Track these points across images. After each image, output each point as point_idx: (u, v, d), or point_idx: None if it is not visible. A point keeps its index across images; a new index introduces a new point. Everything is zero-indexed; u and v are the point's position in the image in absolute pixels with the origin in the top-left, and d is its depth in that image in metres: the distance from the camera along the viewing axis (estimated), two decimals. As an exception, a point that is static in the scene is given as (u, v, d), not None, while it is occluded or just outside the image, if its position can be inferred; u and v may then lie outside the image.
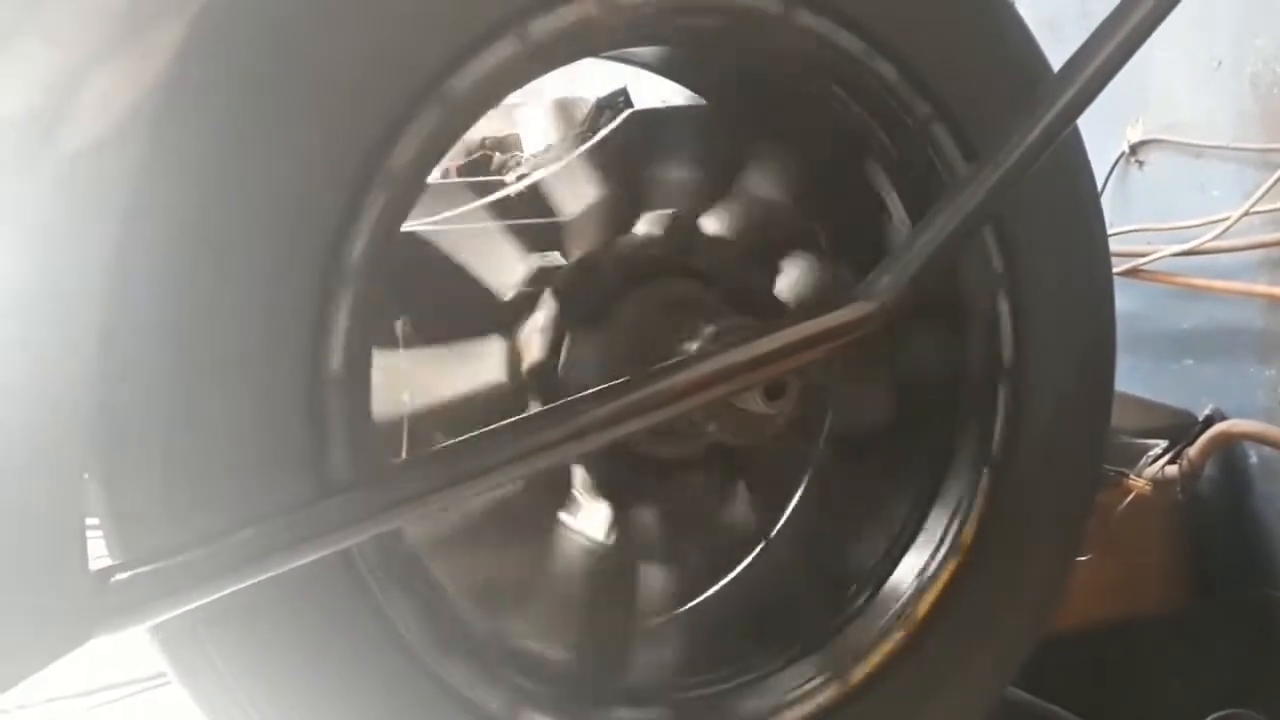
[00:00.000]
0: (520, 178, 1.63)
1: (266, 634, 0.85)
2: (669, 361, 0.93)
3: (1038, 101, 1.01)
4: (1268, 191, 1.77)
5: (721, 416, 1.05)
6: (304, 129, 0.87)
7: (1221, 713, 1.76)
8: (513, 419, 0.88)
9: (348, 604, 0.92)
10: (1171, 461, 1.88)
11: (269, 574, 0.73)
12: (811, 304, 1.10)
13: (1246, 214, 1.78)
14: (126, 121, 0.63)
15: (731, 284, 1.27)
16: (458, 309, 1.35)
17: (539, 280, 1.40)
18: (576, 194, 1.42)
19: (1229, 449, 1.88)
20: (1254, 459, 1.90)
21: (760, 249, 1.33)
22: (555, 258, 1.41)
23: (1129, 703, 1.88)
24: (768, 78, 1.28)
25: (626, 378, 0.92)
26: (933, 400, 1.28)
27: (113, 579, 0.67)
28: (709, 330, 1.06)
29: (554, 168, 1.58)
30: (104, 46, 0.62)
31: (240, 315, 0.83)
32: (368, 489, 0.80)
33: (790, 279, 1.26)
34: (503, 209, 1.54)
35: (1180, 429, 1.94)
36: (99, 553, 0.77)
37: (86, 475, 0.72)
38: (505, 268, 1.39)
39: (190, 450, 0.81)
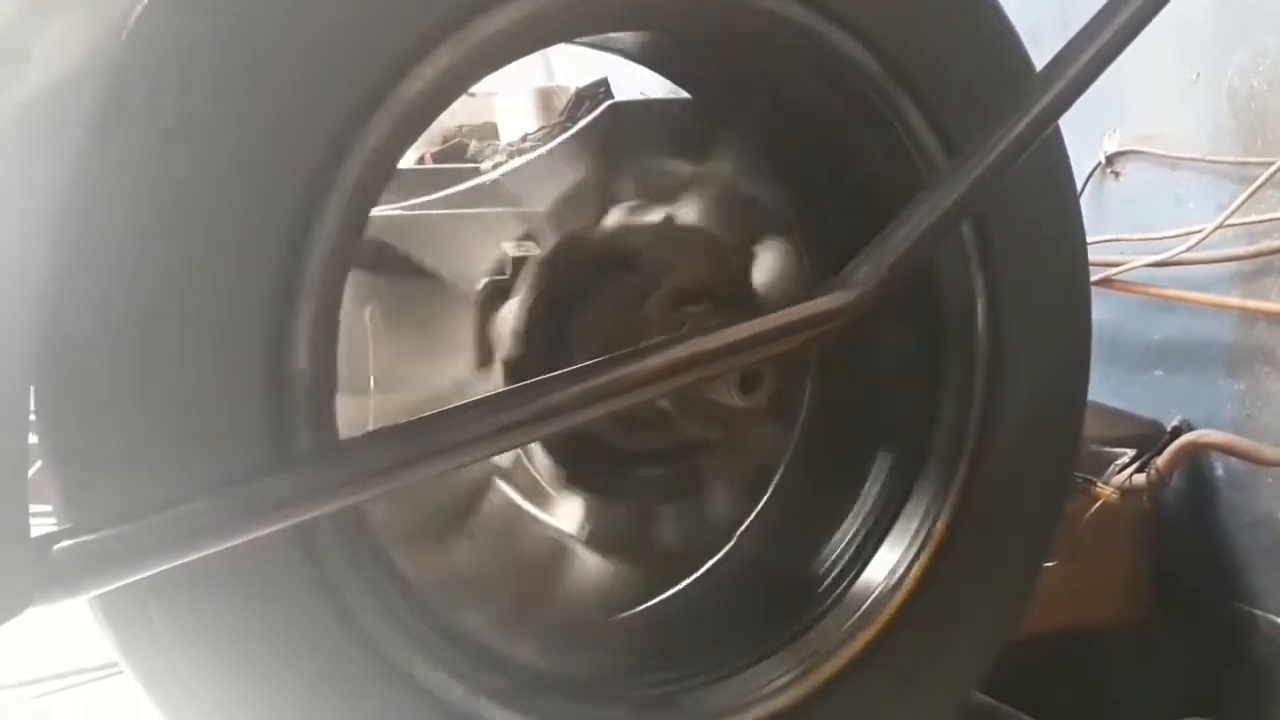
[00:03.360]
0: (496, 166, 1.62)
1: (217, 611, 0.82)
2: (641, 345, 0.91)
3: (1022, 97, 1.00)
4: (1242, 204, 1.77)
5: (697, 410, 1.04)
6: (277, 94, 0.85)
7: (1182, 722, 1.76)
8: (481, 397, 0.86)
9: (304, 586, 0.90)
10: (1139, 470, 1.89)
11: (219, 548, 0.70)
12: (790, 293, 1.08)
13: (1221, 226, 1.78)
14: (85, 64, 0.61)
15: (708, 276, 1.26)
16: (428, 296, 1.33)
17: (512, 270, 1.38)
18: (553, 184, 1.41)
19: (1196, 459, 1.89)
20: (1220, 470, 1.90)
21: (738, 241, 1.32)
22: (530, 247, 1.39)
23: (1091, 709, 1.88)
24: (751, 71, 1.26)
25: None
26: (906, 399, 1.26)
27: (54, 547, 0.64)
28: (683, 320, 1.05)
29: (530, 156, 1.57)
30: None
31: (201, 281, 0.81)
32: (327, 462, 0.78)
33: (767, 271, 1.25)
34: (477, 196, 1.52)
35: (1148, 439, 1.94)
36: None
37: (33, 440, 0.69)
38: (477, 256, 1.37)
39: (146, 417, 0.78)
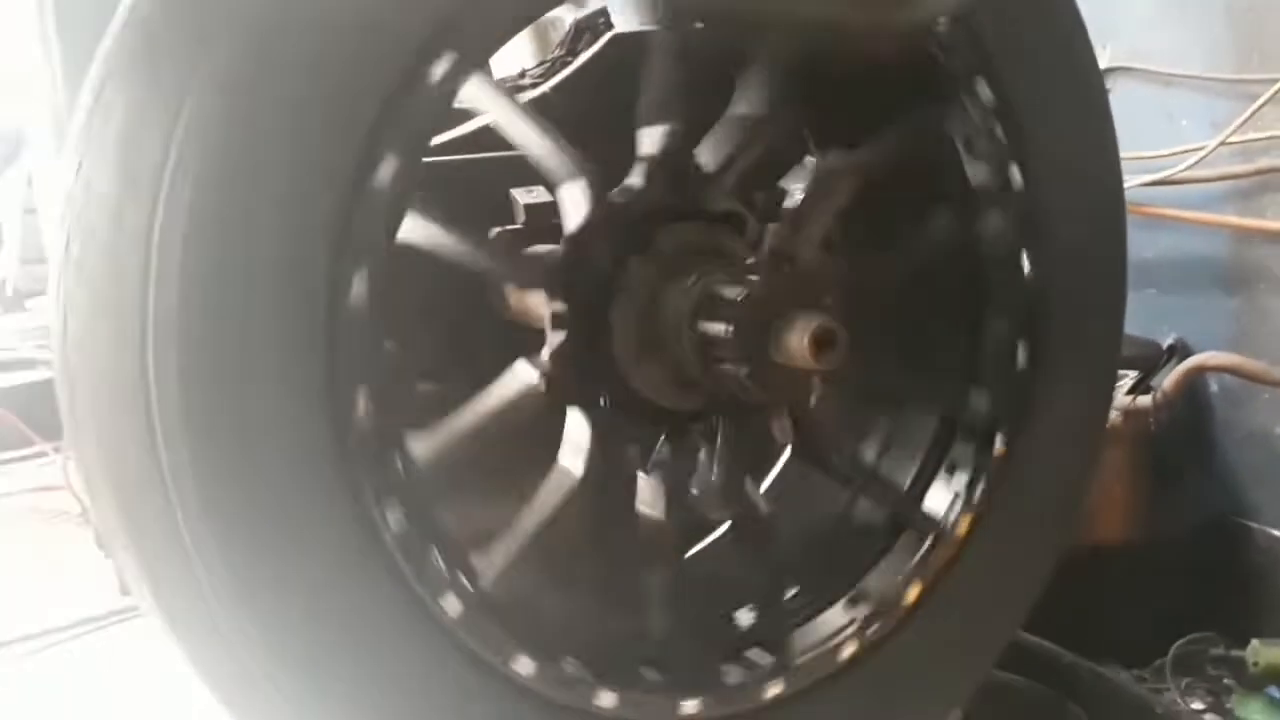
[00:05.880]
0: (496, 104, 1.53)
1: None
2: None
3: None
4: (1243, 124, 1.76)
5: (761, 370, 1.00)
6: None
7: (1185, 639, 1.81)
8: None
9: (377, 574, 0.87)
10: (1137, 391, 1.91)
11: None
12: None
13: (1222, 144, 1.78)
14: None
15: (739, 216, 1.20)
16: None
17: (526, 217, 1.32)
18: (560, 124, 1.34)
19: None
20: (1215, 387, 1.93)
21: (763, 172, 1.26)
22: (541, 193, 1.33)
23: (1091, 627, 1.92)
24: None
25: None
26: (954, 329, 1.25)
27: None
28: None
29: (532, 95, 1.49)
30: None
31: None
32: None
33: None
34: (482, 140, 1.45)
35: (1145, 359, 1.96)
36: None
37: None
38: (486, 204, 1.31)
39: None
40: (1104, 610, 1.88)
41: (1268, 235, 1.80)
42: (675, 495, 1.08)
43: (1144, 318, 2.00)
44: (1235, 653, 1.72)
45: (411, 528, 0.90)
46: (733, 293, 1.02)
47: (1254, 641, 1.68)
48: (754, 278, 1.03)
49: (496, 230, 1.31)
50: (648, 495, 1.08)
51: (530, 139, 1.08)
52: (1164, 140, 1.93)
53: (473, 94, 0.97)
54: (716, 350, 1.04)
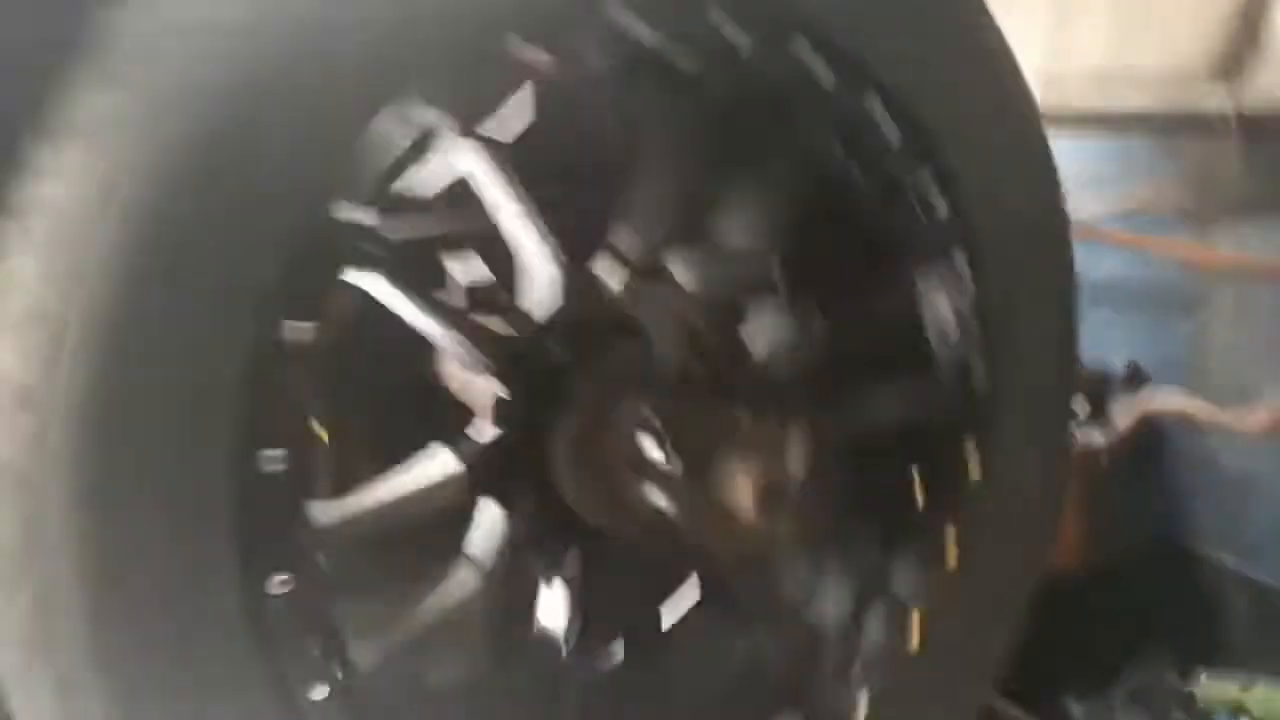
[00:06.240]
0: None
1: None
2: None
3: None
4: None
5: (705, 519, 0.95)
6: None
7: (1134, 670, 1.82)
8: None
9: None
10: (1093, 418, 1.89)
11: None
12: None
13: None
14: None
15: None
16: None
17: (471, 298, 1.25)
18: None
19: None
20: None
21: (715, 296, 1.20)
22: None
23: (1046, 661, 1.92)
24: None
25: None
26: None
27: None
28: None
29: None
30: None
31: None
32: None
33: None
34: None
35: (1099, 384, 1.94)
36: None
37: None
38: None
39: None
40: (1054, 640, 1.89)
41: (1217, 261, 1.78)
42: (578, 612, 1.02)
43: (1098, 340, 1.98)
44: (1185, 686, 1.73)
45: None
46: (666, 431, 0.96)
47: (1202, 677, 1.69)
48: (691, 414, 0.97)
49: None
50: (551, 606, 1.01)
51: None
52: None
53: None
54: (653, 483, 0.99)
